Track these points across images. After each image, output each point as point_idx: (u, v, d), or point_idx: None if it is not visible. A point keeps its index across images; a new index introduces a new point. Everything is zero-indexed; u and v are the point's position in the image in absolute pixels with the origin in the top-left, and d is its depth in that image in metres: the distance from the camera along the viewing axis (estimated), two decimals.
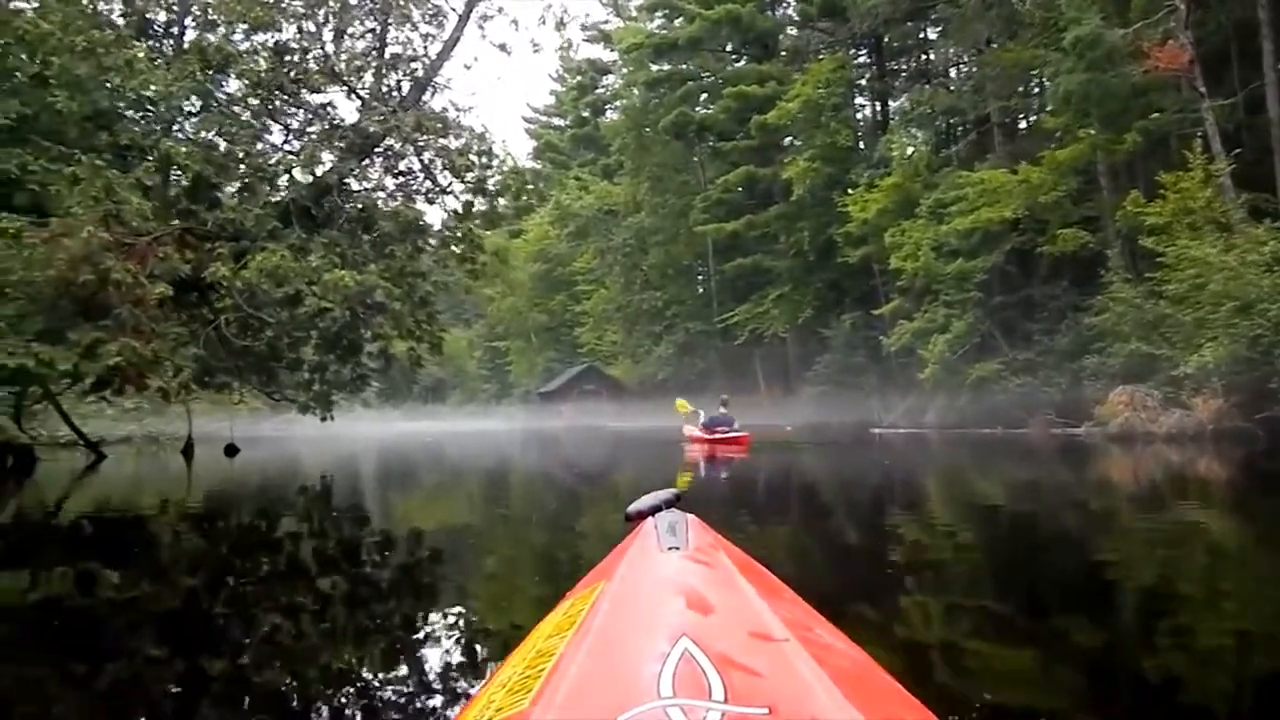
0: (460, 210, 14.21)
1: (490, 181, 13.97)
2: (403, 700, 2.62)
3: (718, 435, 17.81)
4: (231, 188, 11.36)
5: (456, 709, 1.51)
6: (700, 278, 49.99)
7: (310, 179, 12.95)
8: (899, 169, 32.59)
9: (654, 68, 46.06)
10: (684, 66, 45.83)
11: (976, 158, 32.00)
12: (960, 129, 35.89)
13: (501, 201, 14.50)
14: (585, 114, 66.69)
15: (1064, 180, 25.17)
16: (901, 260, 29.48)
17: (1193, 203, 20.33)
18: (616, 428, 37.46)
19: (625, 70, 51.50)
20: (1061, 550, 5.87)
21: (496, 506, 9.90)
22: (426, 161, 13.74)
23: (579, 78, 67.87)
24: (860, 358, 36.50)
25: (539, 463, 18.65)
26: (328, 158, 12.71)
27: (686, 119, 44.22)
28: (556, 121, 76.05)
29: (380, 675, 2.95)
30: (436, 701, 2.58)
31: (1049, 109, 25.24)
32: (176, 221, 11.76)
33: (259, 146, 12.41)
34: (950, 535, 6.65)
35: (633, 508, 1.62)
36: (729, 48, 47.34)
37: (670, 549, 1.31)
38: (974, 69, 30.16)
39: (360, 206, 12.91)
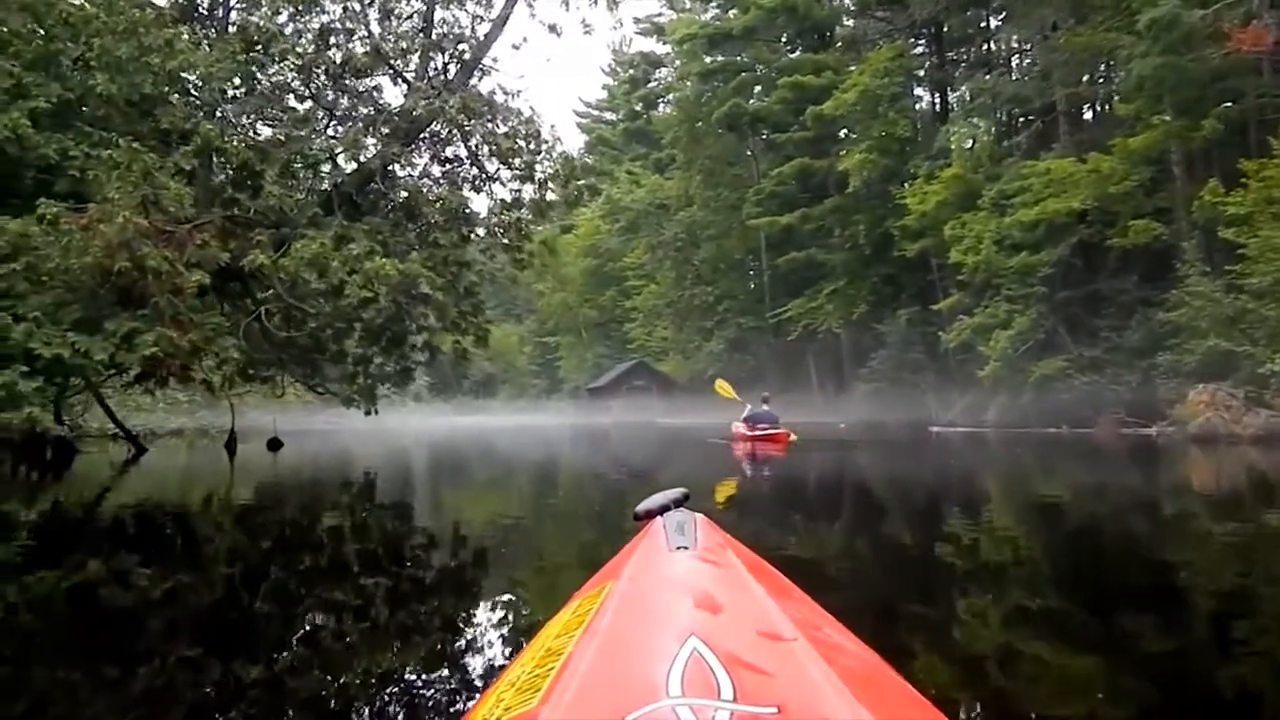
0: (508, 199, 13.77)
1: (539, 168, 13.50)
2: (413, 697, 2.63)
3: (758, 432, 17.50)
4: (273, 174, 10.95)
5: (466, 707, 1.43)
6: (752, 273, 49.14)
7: (354, 166, 12.57)
8: (959, 160, 31.64)
9: (707, 59, 45.42)
10: (738, 58, 45.06)
11: (1040, 148, 30.83)
12: (1023, 119, 34.68)
13: (551, 189, 13.99)
14: (637, 108, 66.31)
15: (1136, 170, 24.07)
16: (962, 254, 28.52)
17: (1278, 191, 19.23)
18: (666, 424, 36.90)
19: (678, 62, 50.94)
20: (1131, 556, 5.52)
21: (526, 508, 9.42)
22: (474, 147, 13.31)
23: (631, 71, 67.52)
24: (917, 354, 35.52)
25: (582, 459, 18.20)
26: (372, 144, 12.31)
27: (740, 110, 43.47)
28: (608, 116, 75.72)
29: (391, 672, 2.91)
30: (446, 699, 2.58)
31: (1119, 96, 24.11)
32: (218, 209, 11.45)
33: (301, 132, 11.99)
34: (1014, 540, 6.24)
35: (641, 507, 1.62)
36: (784, 38, 46.45)
37: (679, 548, 1.31)
38: (1039, 56, 28.97)
39: (405, 194, 12.47)
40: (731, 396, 21.62)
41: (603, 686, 0.88)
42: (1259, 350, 18.12)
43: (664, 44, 56.78)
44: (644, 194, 50.43)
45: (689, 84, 46.76)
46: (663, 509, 1.58)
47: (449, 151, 13.51)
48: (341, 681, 2.79)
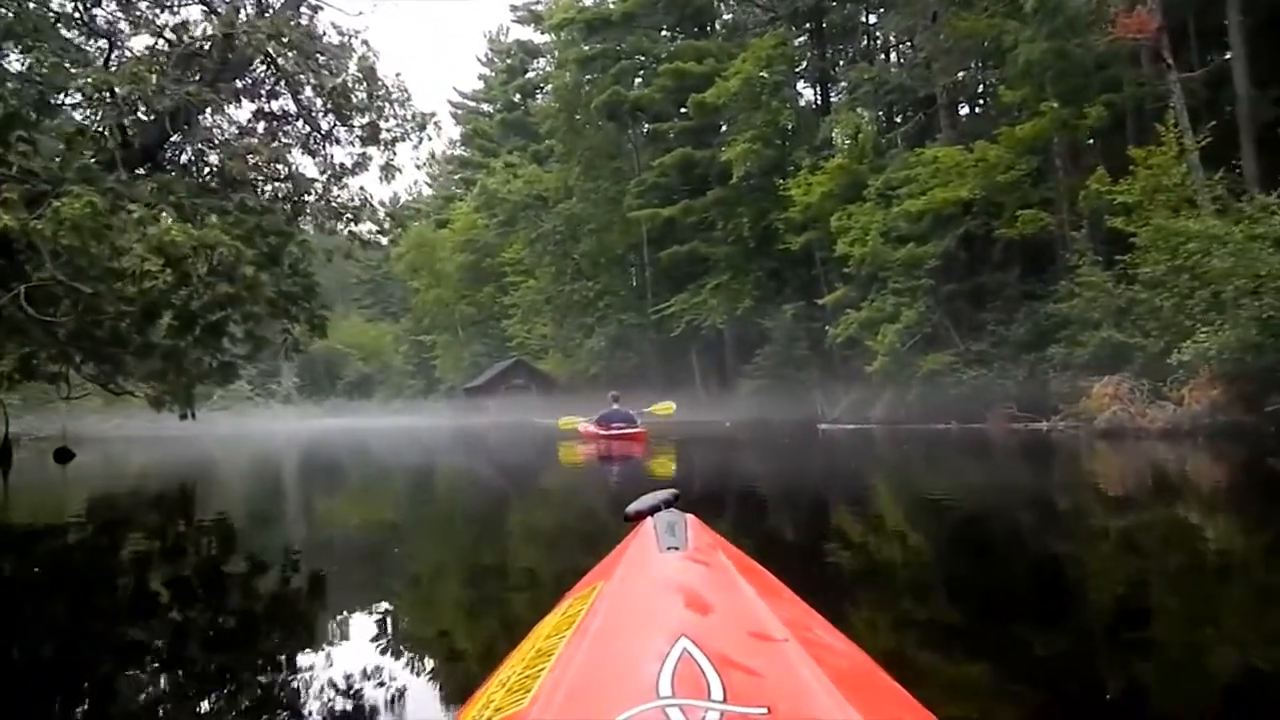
0: (348, 164, 11.77)
1: (385, 126, 11.57)
2: (401, 700, 2.57)
3: (614, 431, 17.10)
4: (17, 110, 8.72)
5: (456, 708, 1.35)
6: (634, 268, 47.55)
7: (147, 113, 10.33)
8: (844, 150, 30.87)
9: (586, 46, 43.62)
10: (618, 45, 43.43)
11: (924, 139, 30.40)
12: (907, 110, 34.23)
13: (399, 152, 12.05)
14: (515, 98, 64.28)
15: (1022, 159, 23.55)
16: (848, 246, 27.67)
17: (1166, 179, 18.81)
18: (543, 424, 35.05)
19: (556, 50, 49.11)
20: (1024, 553, 5.39)
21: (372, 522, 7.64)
22: (304, 100, 11.29)
23: (508, 60, 65.35)
24: (802, 350, 34.71)
25: (432, 462, 16.40)
26: (168, 85, 10.03)
27: (620, 99, 41.92)
28: (485, 107, 73.26)
29: (376, 676, 2.80)
30: (436, 701, 2.56)
31: (1005, 83, 23.55)
32: None
33: (69, 65, 9.64)
34: (903, 540, 5.95)
35: (632, 508, 1.62)
36: (664, 24, 45.09)
37: (669, 549, 1.30)
38: (922, 43, 28.37)
39: (204, 146, 10.27)
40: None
41: (593, 687, 0.88)
42: (1151, 341, 17.56)
43: (542, 32, 54.89)
44: (522, 185, 48.32)
45: (567, 72, 44.88)
46: (654, 509, 1.56)
47: (275, 106, 11.45)
48: (321, 688, 2.69)
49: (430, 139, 12.06)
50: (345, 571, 5.19)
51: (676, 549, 1.30)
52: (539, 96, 61.08)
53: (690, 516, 1.50)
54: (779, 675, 0.87)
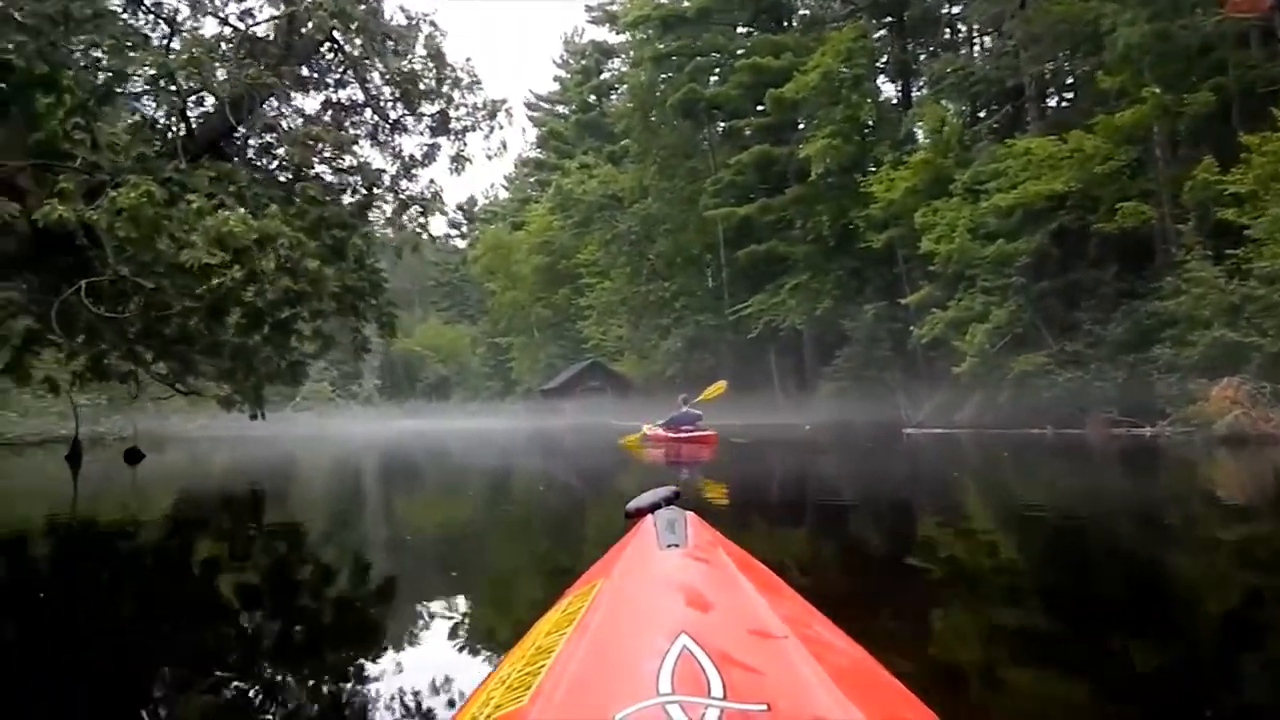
0: (417, 155, 11.40)
1: (454, 115, 11.18)
2: (401, 697, 2.55)
3: (683, 434, 16.58)
4: (74, 101, 8.50)
5: (455, 706, 1.37)
6: (710, 268, 46.74)
7: (210, 101, 10.08)
8: (928, 144, 29.80)
9: (661, 44, 43.14)
10: (693, 42, 42.84)
11: (1011, 131, 29.15)
12: (993, 102, 32.91)
13: (469, 143, 11.66)
14: (590, 99, 64.10)
15: (1121, 149, 22.30)
16: (934, 243, 26.65)
17: None
18: (621, 426, 34.72)
19: (631, 50, 48.71)
20: (1146, 569, 4.88)
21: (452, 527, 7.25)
22: (373, 90, 10.96)
23: (583, 61, 65.24)
24: (884, 351, 33.70)
25: (510, 465, 16.05)
26: (224, 71, 9.73)
27: (696, 96, 41.34)
28: (560, 109, 73.41)
29: (378, 673, 2.80)
30: (435, 698, 2.50)
31: (1103, 69, 22.31)
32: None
33: (132, 51, 9.35)
34: (1023, 553, 5.53)
35: (632, 505, 1.62)
36: (740, 20, 44.36)
37: (669, 546, 1.30)
38: (1013, 29, 27.10)
39: (267, 136, 9.95)
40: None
41: (593, 684, 0.87)
42: (1269, 340, 16.37)
43: (617, 32, 54.60)
44: (597, 185, 48.05)
45: (642, 70, 44.46)
46: (654, 506, 1.55)
47: (343, 95, 11.15)
48: (323, 684, 2.71)
49: (501, 128, 11.64)
50: (407, 577, 5.02)
51: (676, 546, 1.30)
52: (614, 97, 60.84)
53: (690, 514, 1.49)
54: (779, 672, 0.86)
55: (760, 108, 39.81)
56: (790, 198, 37.29)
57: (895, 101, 38.40)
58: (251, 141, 9.97)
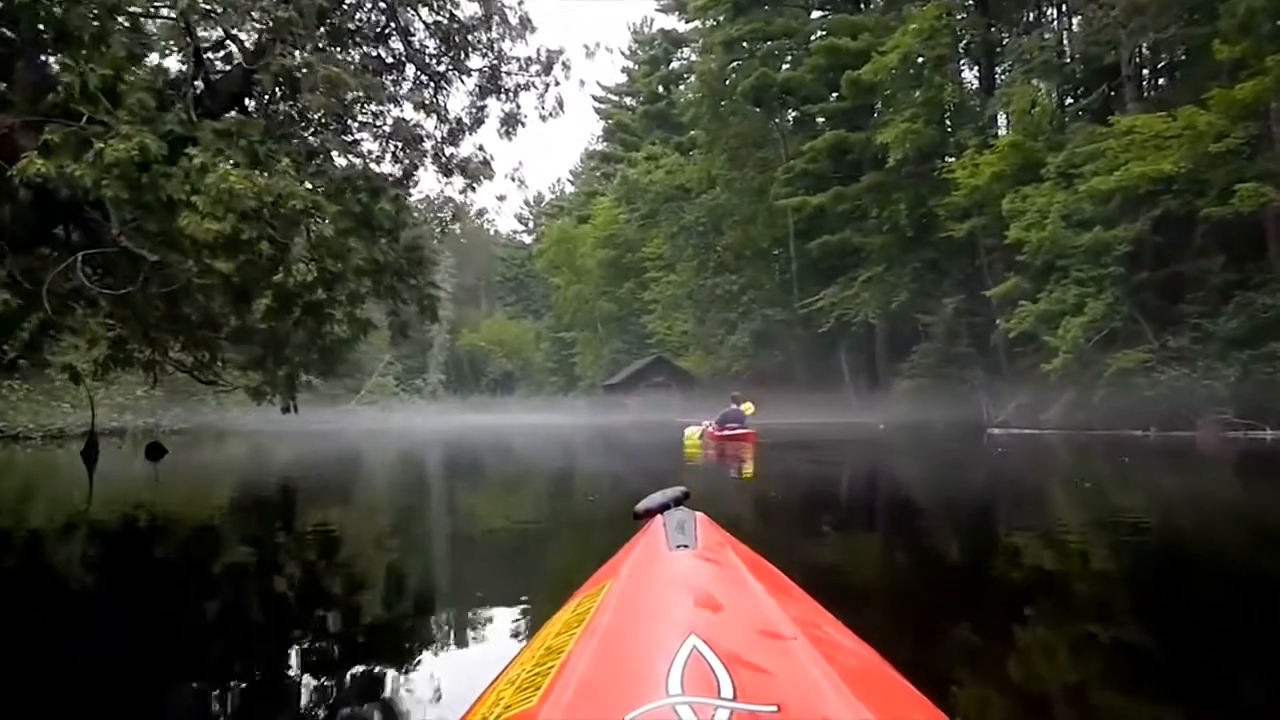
0: (465, 119, 10.21)
1: (507, 69, 10.00)
2: (411, 695, 2.55)
3: (727, 431, 17.49)
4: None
5: (465, 706, 1.08)
6: (779, 261, 45.02)
7: (227, 49, 8.96)
8: (1018, 126, 27.93)
9: (732, 28, 41.61)
10: (765, 25, 41.23)
11: (1106, 113, 27.16)
12: (1082, 84, 30.73)
13: (524, 101, 10.45)
14: (658, 89, 62.82)
15: (1238, 125, 20.33)
16: (1023, 230, 24.83)
17: None
18: (684, 423, 33.53)
19: (700, 37, 47.32)
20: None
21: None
22: (417, 44, 9.80)
23: (652, 50, 64.01)
24: (963, 347, 31.86)
25: (571, 465, 14.89)
26: (254, 13, 8.55)
27: (768, 81, 39.76)
28: (628, 101, 72.30)
29: (388, 671, 2.77)
30: (445, 698, 2.48)
31: (1220, 38, 20.27)
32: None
33: None
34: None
35: (641, 505, 1.62)
36: (815, 2, 42.71)
37: (679, 547, 1.30)
38: (1112, 3, 25.04)
39: (282, 85, 8.72)
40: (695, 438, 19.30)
41: (603, 685, 0.87)
42: None
43: (686, 20, 53.19)
44: (664, 175, 46.67)
45: (713, 56, 42.95)
46: (663, 507, 1.56)
47: (382, 52, 9.95)
48: (337, 679, 2.70)
49: (558, 83, 10.43)
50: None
51: (686, 547, 1.29)
52: (682, 87, 59.49)
53: (700, 514, 1.48)
54: (789, 673, 0.86)
55: (835, 94, 38.09)
56: (865, 185, 35.54)
57: (978, 84, 36.34)
58: (278, 102, 8.79)
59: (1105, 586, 4.12)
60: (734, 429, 17.68)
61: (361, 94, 8.41)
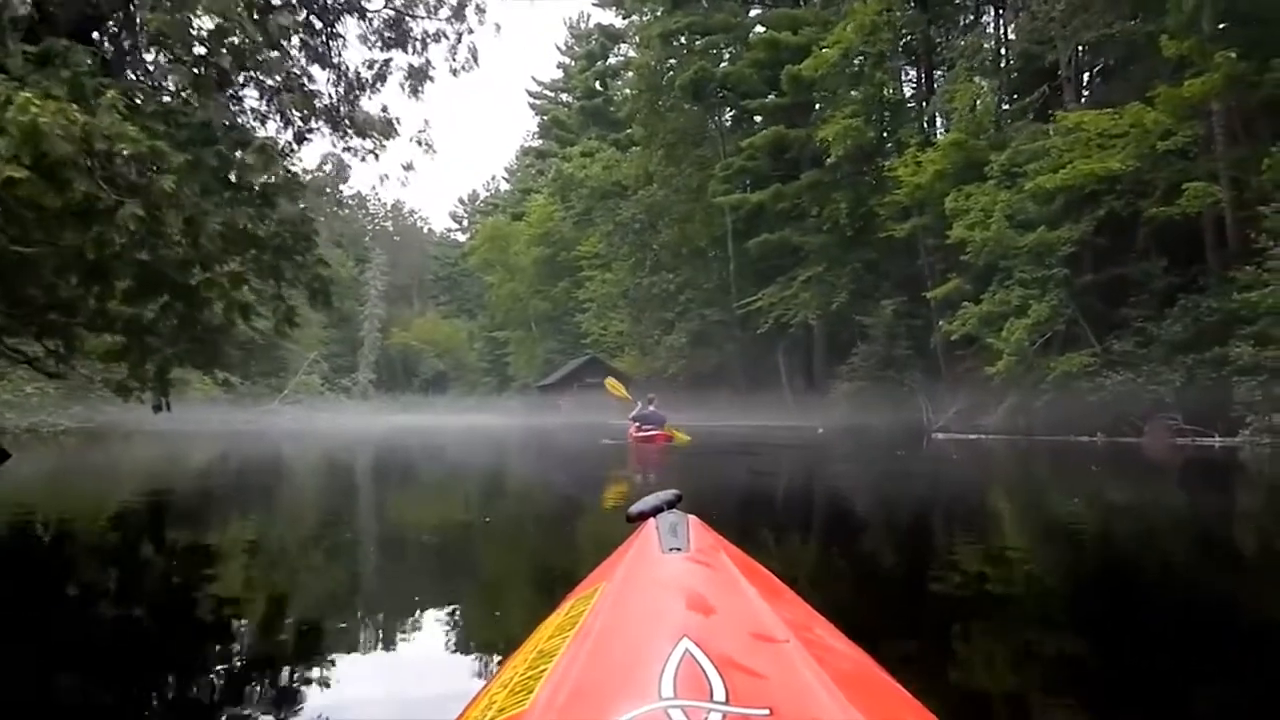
0: (363, 74, 8.88)
1: (413, 16, 8.70)
2: (402, 699, 2.60)
3: (644, 432, 17.91)
4: None
5: (457, 709, 1.09)
6: (717, 260, 43.98)
7: None
8: (959, 124, 27.36)
9: (670, 22, 40.55)
10: (705, 19, 40.29)
11: (1046, 112, 26.72)
12: (1027, 82, 30.28)
13: (435, 53, 9.16)
14: (595, 85, 61.62)
15: (1186, 124, 19.88)
16: (967, 229, 24.21)
17: None
18: (619, 425, 32.35)
19: (638, 33, 46.22)
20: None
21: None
22: None
23: (589, 45, 62.77)
24: (903, 350, 31.21)
25: (500, 466, 13.65)
26: None
27: (707, 75, 38.84)
28: (564, 97, 71.00)
29: (379, 673, 2.83)
30: (436, 701, 2.45)
31: (1168, 34, 19.76)
32: None
33: None
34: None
35: (634, 508, 1.61)
36: None
37: (671, 550, 1.30)
38: (1046, 4, 24.47)
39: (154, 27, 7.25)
40: (622, 395, 22.15)
41: (595, 687, 0.87)
42: None
43: (624, 16, 52.06)
44: (600, 171, 45.42)
45: (650, 50, 41.87)
46: (656, 510, 1.54)
47: None
48: (325, 681, 2.69)
49: (471, 31, 9.19)
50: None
51: (679, 550, 1.29)
52: (619, 83, 58.39)
53: (692, 517, 1.47)
54: (781, 676, 0.86)
55: (774, 91, 37.27)
56: (805, 184, 34.73)
57: (919, 83, 35.84)
58: (124, 39, 7.36)
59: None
60: (650, 430, 17.91)
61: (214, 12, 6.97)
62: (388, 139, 8.62)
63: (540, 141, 74.16)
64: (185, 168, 6.29)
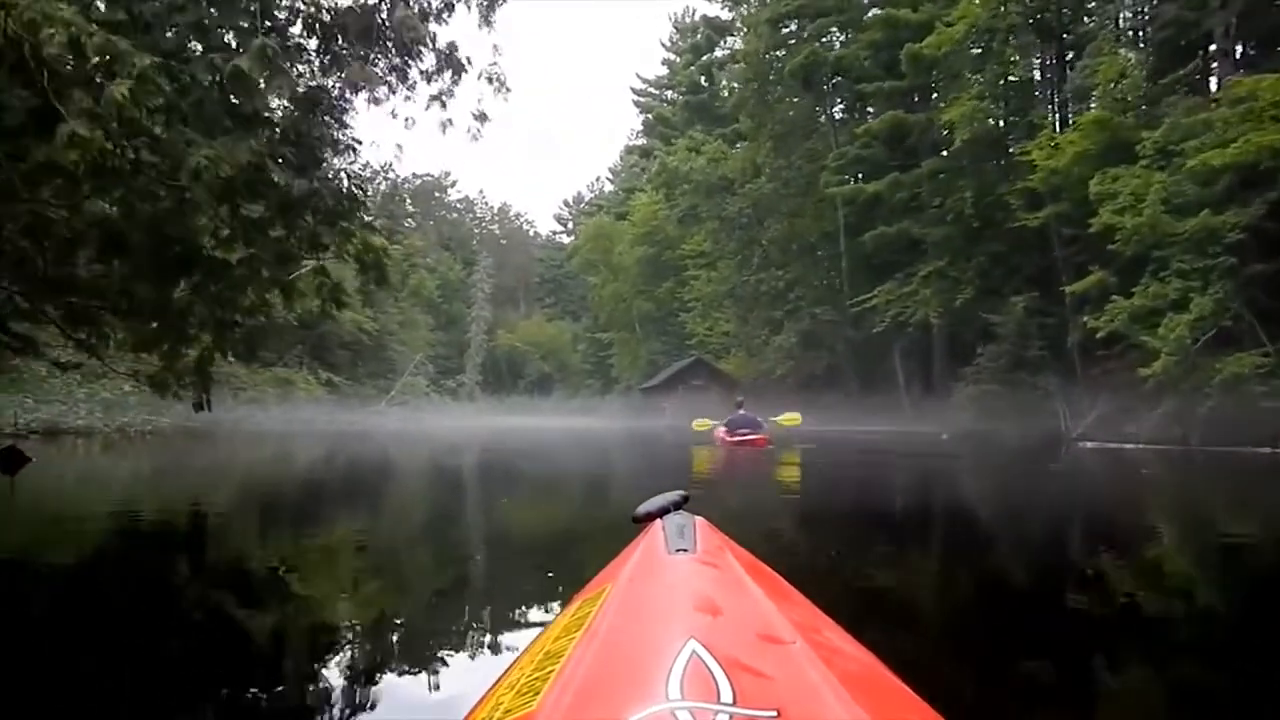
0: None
1: None
2: (409, 700, 2.50)
3: (739, 436, 17.47)
4: None
5: (464, 710, 1.08)
6: (827, 257, 41.76)
7: None
8: (1104, 100, 24.76)
9: (780, 5, 38.59)
10: (817, 0, 38.17)
11: (1203, 85, 23.96)
12: (1174, 54, 27.37)
13: None
14: (700, 80, 59.98)
15: None
16: (1116, 215, 21.69)
17: None
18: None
19: (745, 15, 44.41)
20: None
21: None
22: None
23: (693, 38, 61.21)
24: (1036, 350, 28.59)
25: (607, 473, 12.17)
26: None
27: (818, 59, 36.75)
28: (669, 94, 69.60)
29: (386, 675, 2.74)
30: (444, 702, 2.43)
31: None
32: None
33: None
34: None
35: (641, 510, 1.62)
36: None
37: (678, 551, 1.30)
38: None
39: None
40: (709, 426, 21.00)
41: (602, 689, 0.87)
42: None
43: (729, 6, 50.33)
44: (704, 164, 43.66)
45: (758, 36, 40.01)
46: (662, 511, 1.56)
47: None
48: (332, 681, 2.63)
49: None
50: None
51: (685, 551, 1.29)
52: (724, 80, 56.60)
53: (699, 519, 1.47)
54: (788, 677, 0.85)
55: (890, 76, 35.00)
56: (926, 171, 32.37)
57: (1046, 64, 32.99)
58: None
59: None
60: (745, 434, 17.44)
61: None
62: (459, 75, 7.18)
63: (644, 140, 72.93)
64: (152, 73, 4.94)
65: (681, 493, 1.64)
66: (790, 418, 21.41)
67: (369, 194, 7.59)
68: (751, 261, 42.56)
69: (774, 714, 0.76)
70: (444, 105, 7.58)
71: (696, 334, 53.31)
